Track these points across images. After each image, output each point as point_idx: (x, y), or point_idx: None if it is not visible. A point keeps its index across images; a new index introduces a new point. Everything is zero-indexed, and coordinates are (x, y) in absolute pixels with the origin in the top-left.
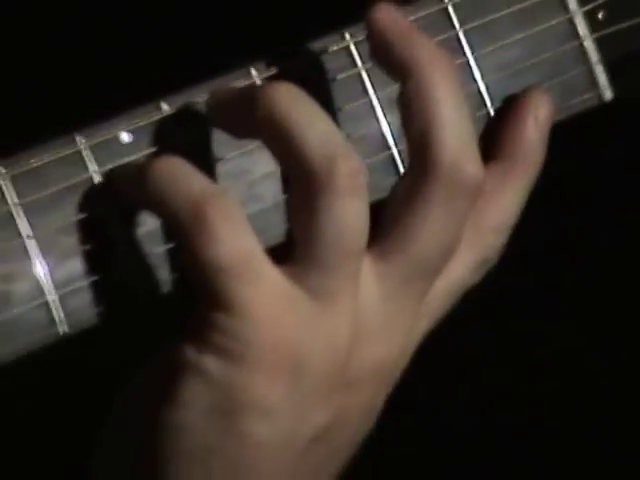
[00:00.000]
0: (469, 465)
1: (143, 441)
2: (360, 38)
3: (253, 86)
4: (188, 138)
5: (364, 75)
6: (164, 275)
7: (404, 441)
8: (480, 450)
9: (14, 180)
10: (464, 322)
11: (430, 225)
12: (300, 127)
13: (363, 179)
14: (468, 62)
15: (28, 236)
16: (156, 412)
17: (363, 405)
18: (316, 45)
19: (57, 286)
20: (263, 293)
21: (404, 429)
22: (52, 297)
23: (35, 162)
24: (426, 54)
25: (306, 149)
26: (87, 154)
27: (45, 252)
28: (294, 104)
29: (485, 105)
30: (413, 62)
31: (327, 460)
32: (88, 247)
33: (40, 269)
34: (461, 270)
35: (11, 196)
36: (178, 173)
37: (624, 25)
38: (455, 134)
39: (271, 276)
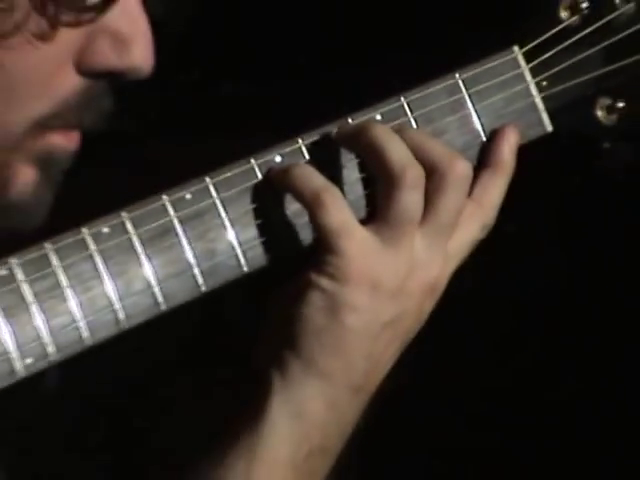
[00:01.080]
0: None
1: (281, 327)
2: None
3: (365, 123)
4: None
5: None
6: (300, 235)
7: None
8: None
9: None
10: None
11: (448, 203)
12: (387, 149)
13: (422, 181)
14: (470, 112)
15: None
16: (290, 309)
17: (416, 308)
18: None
19: (241, 244)
20: (355, 243)
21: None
22: (241, 249)
23: None
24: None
25: (391, 162)
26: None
27: (234, 222)
28: (386, 136)
29: (481, 135)
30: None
31: (392, 342)
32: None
33: (232, 233)
34: (471, 229)
35: None
36: (305, 171)
37: (559, 88)
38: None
39: (360, 233)
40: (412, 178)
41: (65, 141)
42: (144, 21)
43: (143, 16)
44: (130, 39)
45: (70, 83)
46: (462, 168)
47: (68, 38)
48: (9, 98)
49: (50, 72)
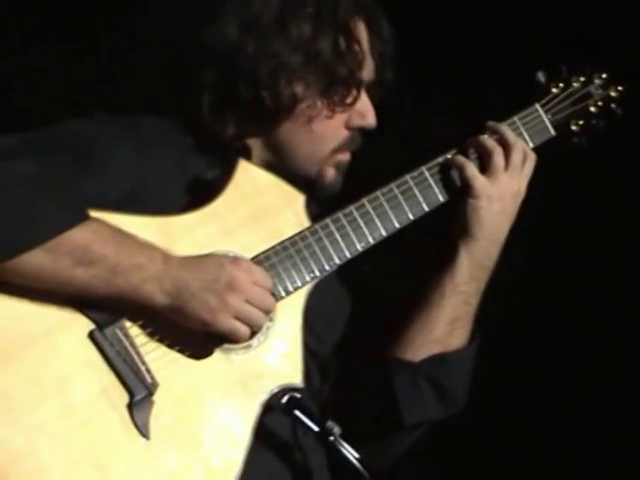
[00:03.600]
0: None
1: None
2: None
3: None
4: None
5: None
6: None
7: None
8: None
9: None
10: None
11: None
12: (512, 137)
13: (526, 149)
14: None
15: None
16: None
17: (511, 215)
18: None
19: None
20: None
21: None
22: None
23: None
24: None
25: (513, 140)
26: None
27: None
28: (512, 134)
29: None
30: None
31: (507, 220)
32: None
33: None
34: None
35: None
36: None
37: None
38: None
39: (477, 176)
40: (520, 147)
41: (345, 156)
42: (369, 103)
43: (368, 101)
44: (365, 113)
45: (345, 133)
46: (522, 146)
47: (341, 117)
48: (319, 144)
49: (336, 129)
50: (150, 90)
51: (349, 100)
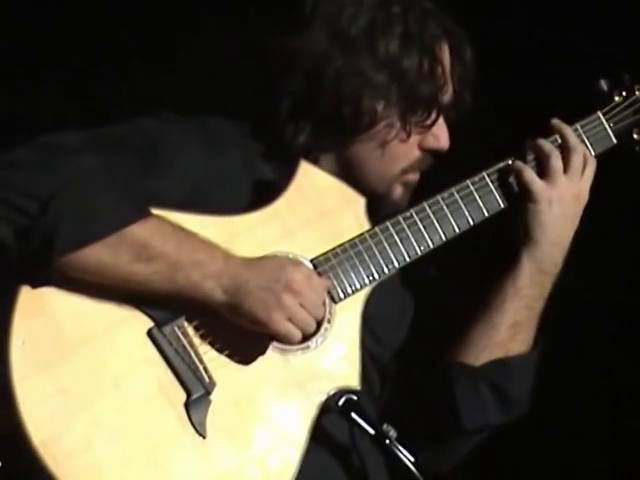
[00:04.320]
0: None
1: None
2: None
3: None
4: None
5: None
6: None
7: None
8: None
9: None
10: None
11: (579, 164)
12: (573, 139)
13: (587, 153)
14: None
15: None
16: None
17: (574, 219)
18: None
19: None
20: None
21: None
22: None
23: None
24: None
25: (574, 142)
26: None
27: None
28: (574, 136)
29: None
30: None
31: (570, 225)
32: None
33: None
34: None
35: None
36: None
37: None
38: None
39: (535, 180)
40: (581, 150)
41: (414, 176)
42: (445, 127)
43: (444, 125)
44: (440, 135)
45: (417, 154)
46: (583, 150)
47: (416, 138)
48: (391, 163)
49: (409, 149)
50: (223, 92)
51: (428, 123)
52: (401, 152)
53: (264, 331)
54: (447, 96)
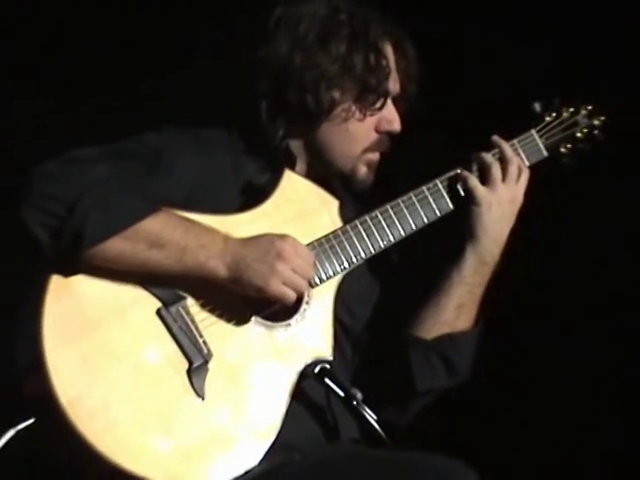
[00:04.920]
0: None
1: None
2: None
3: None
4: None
5: None
6: None
7: None
8: None
9: None
10: None
11: (514, 172)
12: (510, 152)
13: (521, 164)
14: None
15: None
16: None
17: (510, 219)
18: None
19: None
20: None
21: None
22: None
23: None
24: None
25: (511, 155)
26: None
27: None
28: (510, 150)
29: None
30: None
31: (507, 224)
32: None
33: None
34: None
35: None
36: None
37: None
38: None
39: (479, 186)
40: (517, 161)
41: (374, 156)
42: (395, 112)
43: (394, 110)
44: (392, 120)
45: (374, 135)
46: (518, 161)
47: (372, 119)
48: (352, 143)
49: (367, 131)
50: (210, 106)
51: (377, 105)
52: (360, 134)
53: (264, 296)
54: (394, 85)
